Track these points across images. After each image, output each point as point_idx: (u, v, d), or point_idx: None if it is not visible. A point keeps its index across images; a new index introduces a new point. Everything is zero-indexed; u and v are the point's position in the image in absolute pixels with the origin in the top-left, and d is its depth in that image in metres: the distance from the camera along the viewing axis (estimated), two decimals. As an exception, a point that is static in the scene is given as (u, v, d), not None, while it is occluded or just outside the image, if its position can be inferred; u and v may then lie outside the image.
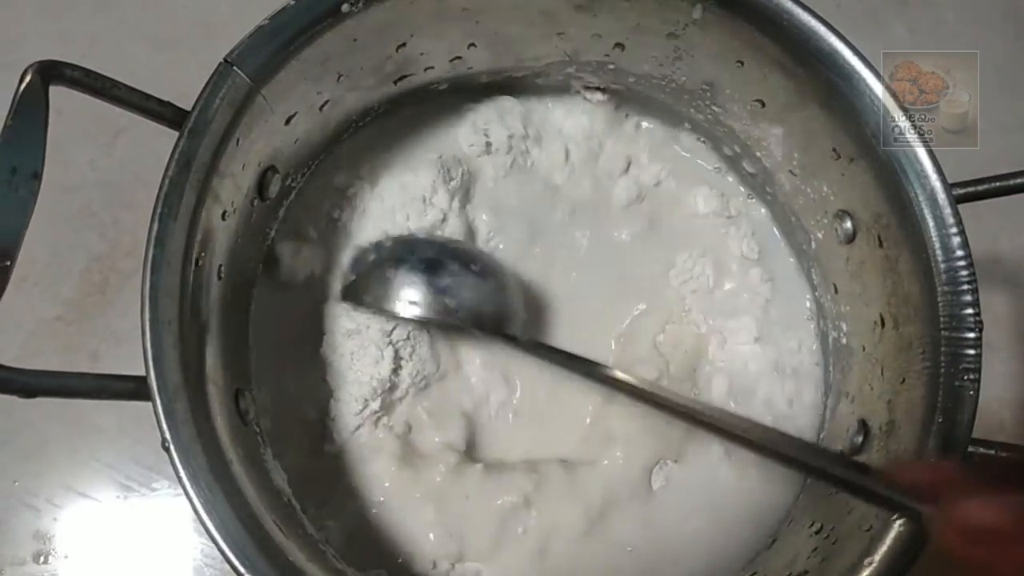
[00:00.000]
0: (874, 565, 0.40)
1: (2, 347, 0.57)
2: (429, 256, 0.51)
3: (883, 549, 0.40)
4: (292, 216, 0.55)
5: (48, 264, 0.62)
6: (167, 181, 0.41)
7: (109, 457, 0.59)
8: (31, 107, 0.38)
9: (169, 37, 0.68)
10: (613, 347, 0.58)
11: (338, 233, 0.56)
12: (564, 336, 0.57)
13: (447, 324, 0.52)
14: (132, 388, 0.39)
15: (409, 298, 0.49)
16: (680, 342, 0.57)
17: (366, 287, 0.51)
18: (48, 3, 0.69)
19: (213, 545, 0.37)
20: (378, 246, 0.52)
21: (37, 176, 0.37)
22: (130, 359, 0.58)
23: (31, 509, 0.58)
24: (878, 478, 0.40)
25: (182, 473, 0.38)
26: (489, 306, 0.51)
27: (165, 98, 0.43)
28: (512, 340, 0.51)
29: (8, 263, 0.36)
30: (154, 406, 0.38)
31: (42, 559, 0.57)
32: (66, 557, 0.58)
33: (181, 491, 0.38)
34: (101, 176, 0.65)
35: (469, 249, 0.55)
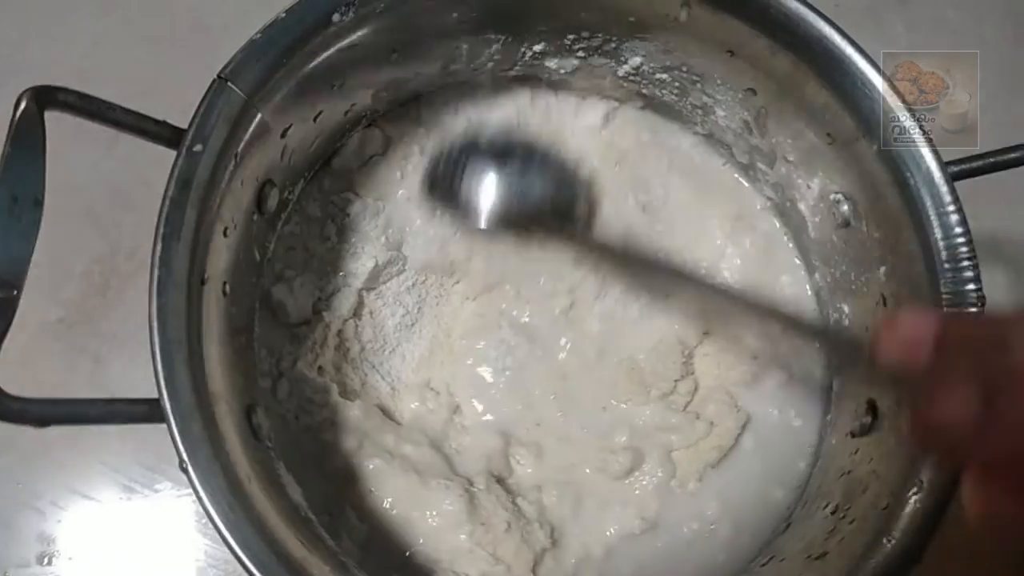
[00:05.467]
0: (893, 542, 0.41)
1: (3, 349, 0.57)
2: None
3: (901, 525, 0.41)
4: (288, 232, 0.55)
5: (49, 266, 0.61)
6: (168, 201, 0.41)
7: (112, 459, 0.59)
8: (28, 134, 0.37)
9: (171, 39, 0.68)
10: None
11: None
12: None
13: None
14: (145, 411, 0.39)
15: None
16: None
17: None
18: (50, 5, 0.69)
19: (217, 546, 0.37)
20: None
21: (39, 203, 0.37)
22: (132, 361, 0.60)
23: (35, 511, 0.58)
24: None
25: (202, 494, 0.38)
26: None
27: (165, 101, 0.43)
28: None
29: (15, 292, 0.35)
30: (169, 428, 0.38)
31: (46, 561, 0.57)
32: (70, 559, 0.57)
33: (183, 492, 0.38)
34: (102, 177, 0.65)
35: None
